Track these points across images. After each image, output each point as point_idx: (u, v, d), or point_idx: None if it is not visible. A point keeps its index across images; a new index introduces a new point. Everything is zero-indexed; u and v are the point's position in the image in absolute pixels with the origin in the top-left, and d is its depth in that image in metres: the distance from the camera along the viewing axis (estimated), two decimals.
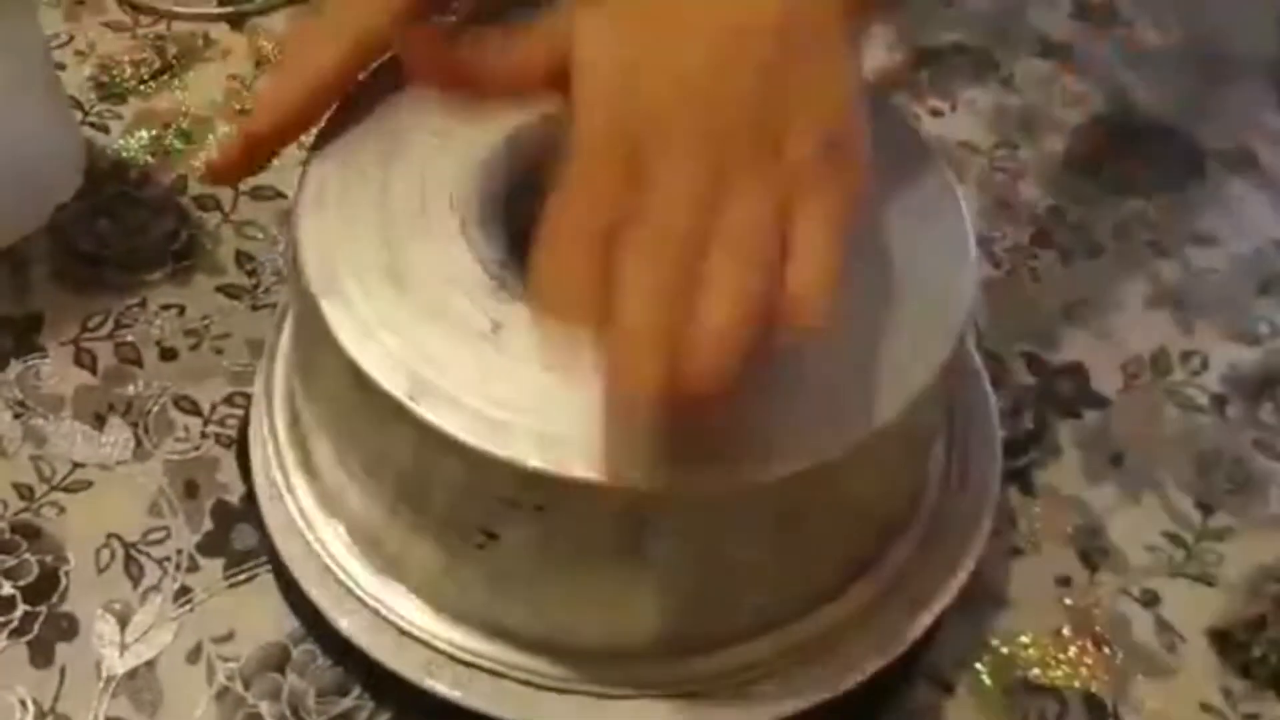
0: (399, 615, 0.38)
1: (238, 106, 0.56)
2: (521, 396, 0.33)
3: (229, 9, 0.60)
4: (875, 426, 0.34)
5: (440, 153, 0.38)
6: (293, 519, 0.39)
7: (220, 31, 0.59)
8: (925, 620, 0.39)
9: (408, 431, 0.33)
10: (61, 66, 0.56)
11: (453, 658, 0.37)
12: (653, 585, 0.36)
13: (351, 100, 0.39)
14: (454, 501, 0.35)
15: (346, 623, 0.38)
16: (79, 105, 0.55)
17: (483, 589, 0.37)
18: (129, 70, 0.57)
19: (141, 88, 0.56)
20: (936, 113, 0.60)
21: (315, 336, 0.35)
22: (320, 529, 0.39)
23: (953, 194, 0.39)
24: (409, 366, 0.33)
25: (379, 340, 0.34)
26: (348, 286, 0.34)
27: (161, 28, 0.59)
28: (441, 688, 0.36)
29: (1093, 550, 0.46)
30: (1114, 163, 0.59)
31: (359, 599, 0.38)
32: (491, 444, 0.32)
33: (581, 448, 0.32)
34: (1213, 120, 0.61)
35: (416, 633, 0.37)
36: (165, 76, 0.57)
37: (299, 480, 0.40)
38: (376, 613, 0.38)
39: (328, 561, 0.39)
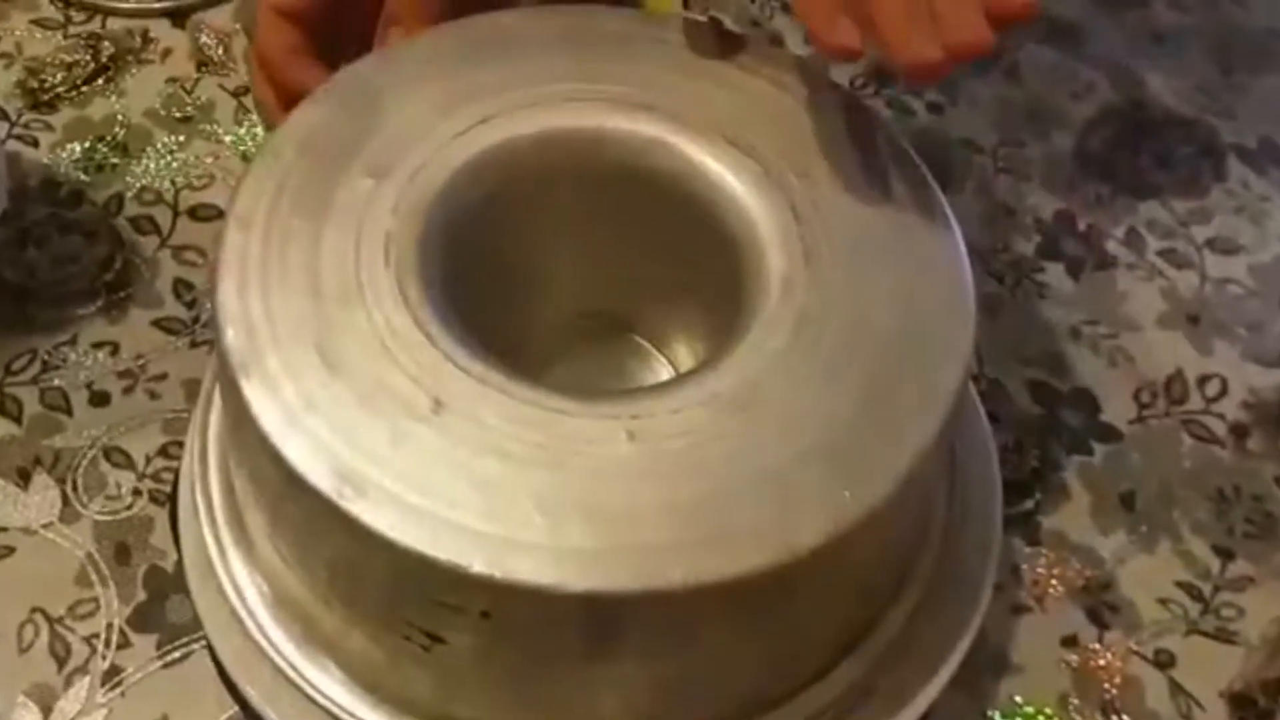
0: (340, 708, 0.34)
1: (178, 114, 0.52)
2: (465, 489, 0.29)
3: (169, 3, 0.55)
4: (866, 506, 0.31)
5: (376, 197, 0.34)
6: (225, 596, 0.36)
7: (160, 29, 0.55)
8: (922, 702, 0.36)
9: (338, 527, 0.30)
10: None
11: None
12: (617, 685, 0.32)
13: (278, 140, 0.35)
14: (392, 602, 0.31)
15: (280, 719, 0.34)
16: (4, 116, 0.51)
17: (430, 687, 0.33)
18: (60, 75, 0.52)
19: (74, 94, 0.52)
20: (934, 107, 0.56)
21: (239, 414, 0.32)
22: (255, 607, 0.36)
23: (949, 231, 0.35)
24: (338, 456, 0.30)
25: (305, 427, 0.30)
26: (271, 364, 0.31)
27: (96, 25, 0.54)
28: None
29: (1101, 606, 0.42)
30: (1127, 161, 0.55)
31: (296, 687, 0.35)
32: (430, 546, 0.29)
33: (532, 547, 0.29)
34: (1235, 112, 0.57)
35: None
36: (100, 81, 0.52)
37: (234, 552, 0.37)
38: (316, 704, 0.35)
39: (264, 645, 0.35)
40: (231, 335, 0.31)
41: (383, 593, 0.31)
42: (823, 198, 0.35)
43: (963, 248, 0.35)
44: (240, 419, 0.31)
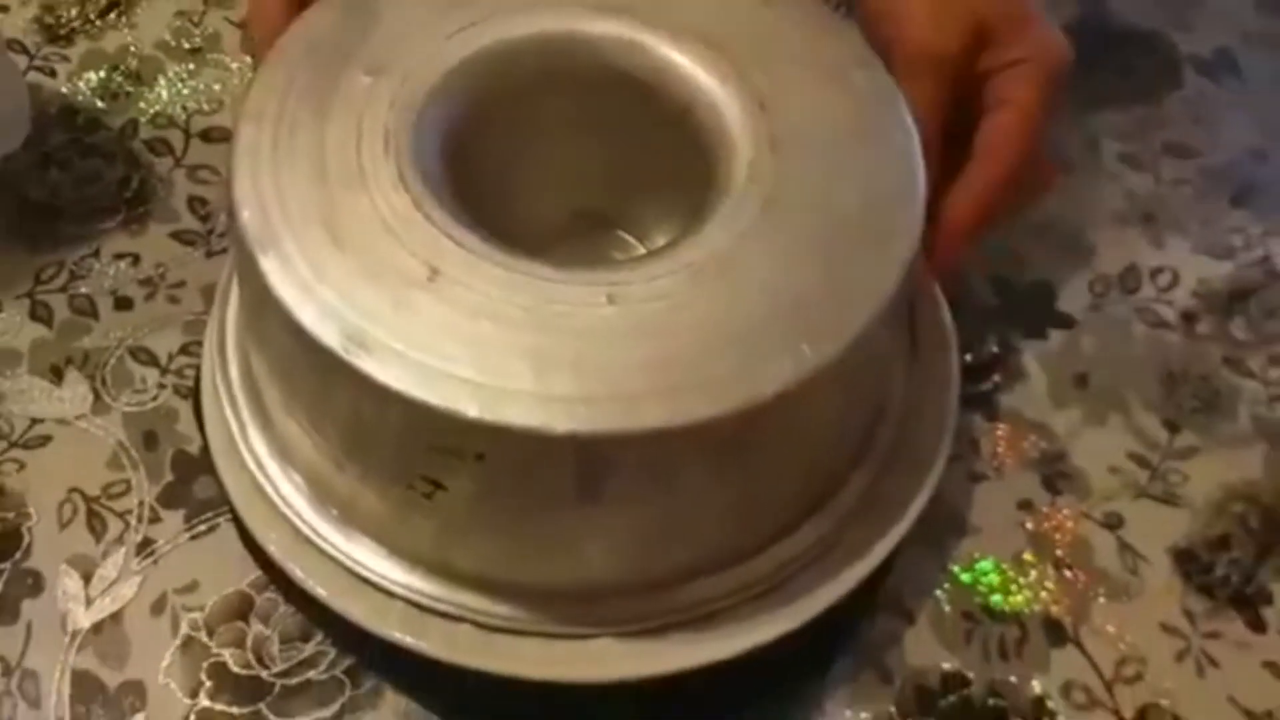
0: (353, 560, 0.38)
1: (187, 45, 0.55)
2: (459, 346, 0.33)
3: None
4: (823, 359, 0.34)
5: (375, 93, 0.37)
6: (247, 468, 0.39)
7: None
8: (881, 551, 0.39)
9: (347, 384, 0.33)
10: (4, 9, 0.55)
11: (408, 601, 0.37)
12: (603, 527, 0.36)
13: (286, 41, 0.38)
14: (397, 452, 0.34)
15: (301, 571, 0.38)
16: (24, 49, 0.54)
17: (433, 535, 0.37)
18: (74, 9, 0.56)
19: (88, 27, 0.55)
20: None
21: (255, 290, 0.35)
22: (275, 476, 0.39)
23: (904, 122, 0.38)
24: (346, 320, 0.33)
25: (317, 295, 0.33)
26: (285, 242, 0.34)
27: None
28: (395, 633, 0.37)
29: (1055, 474, 0.46)
30: (1088, 73, 0.57)
31: (313, 546, 0.38)
32: (429, 395, 0.32)
33: (521, 395, 0.32)
34: (1191, 25, 0.59)
35: (370, 578, 0.37)
36: (112, 15, 0.56)
37: (253, 429, 0.40)
38: (331, 559, 0.38)
39: (284, 509, 0.39)
40: (248, 216, 0.35)
41: (388, 444, 0.34)
42: (789, 92, 0.38)
43: (916, 136, 0.38)
44: (258, 292, 0.35)
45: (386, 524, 0.37)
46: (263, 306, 0.35)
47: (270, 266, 0.34)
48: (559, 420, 0.32)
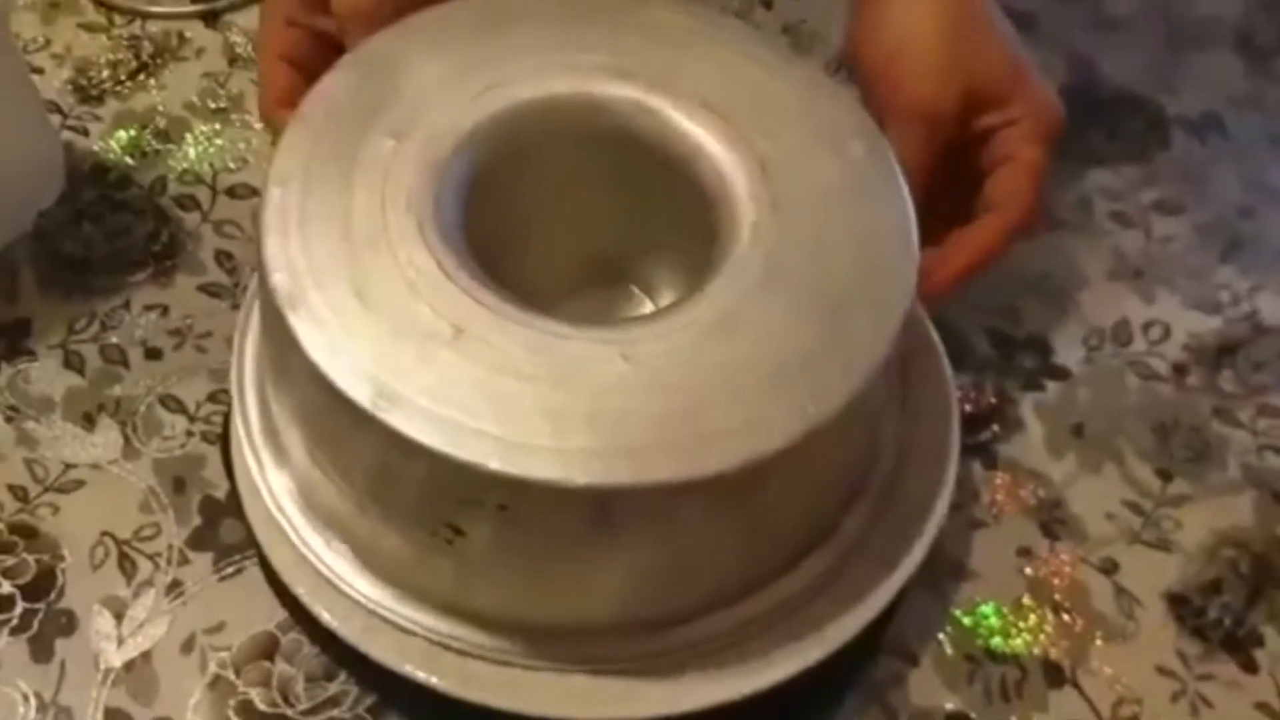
0: (374, 603, 0.39)
1: (213, 106, 0.57)
2: (482, 402, 0.34)
3: (202, 6, 0.60)
4: (825, 415, 0.35)
5: (397, 155, 0.39)
6: (271, 513, 0.41)
7: (195, 29, 0.60)
8: (884, 595, 0.41)
9: (375, 436, 0.35)
10: (40, 70, 0.57)
11: (425, 639, 0.38)
12: (615, 568, 0.37)
13: (307, 108, 0.40)
14: (421, 502, 0.36)
15: (325, 612, 0.39)
16: (58, 109, 0.56)
17: (451, 577, 0.38)
18: (106, 72, 0.58)
19: (119, 89, 0.57)
20: None
21: (284, 346, 0.36)
22: (297, 521, 0.41)
23: (897, 183, 0.40)
24: (375, 376, 0.34)
25: (346, 352, 0.35)
26: (315, 302, 0.36)
27: (136, 28, 0.60)
28: (412, 670, 0.38)
29: (1053, 521, 0.47)
30: (1078, 134, 0.60)
31: (335, 588, 0.40)
32: (454, 448, 0.34)
33: (541, 449, 0.34)
34: (1179, 88, 0.62)
35: (390, 617, 0.39)
36: (142, 76, 0.58)
37: (275, 475, 0.41)
38: (352, 600, 0.39)
39: (305, 553, 0.40)
40: (279, 278, 0.36)
41: (413, 493, 0.36)
42: (788, 154, 0.40)
43: (909, 197, 0.40)
44: (286, 349, 0.36)
45: (404, 567, 0.39)
46: (292, 362, 0.36)
47: (301, 325, 0.35)
48: (576, 474, 0.33)
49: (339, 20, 0.43)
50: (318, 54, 0.44)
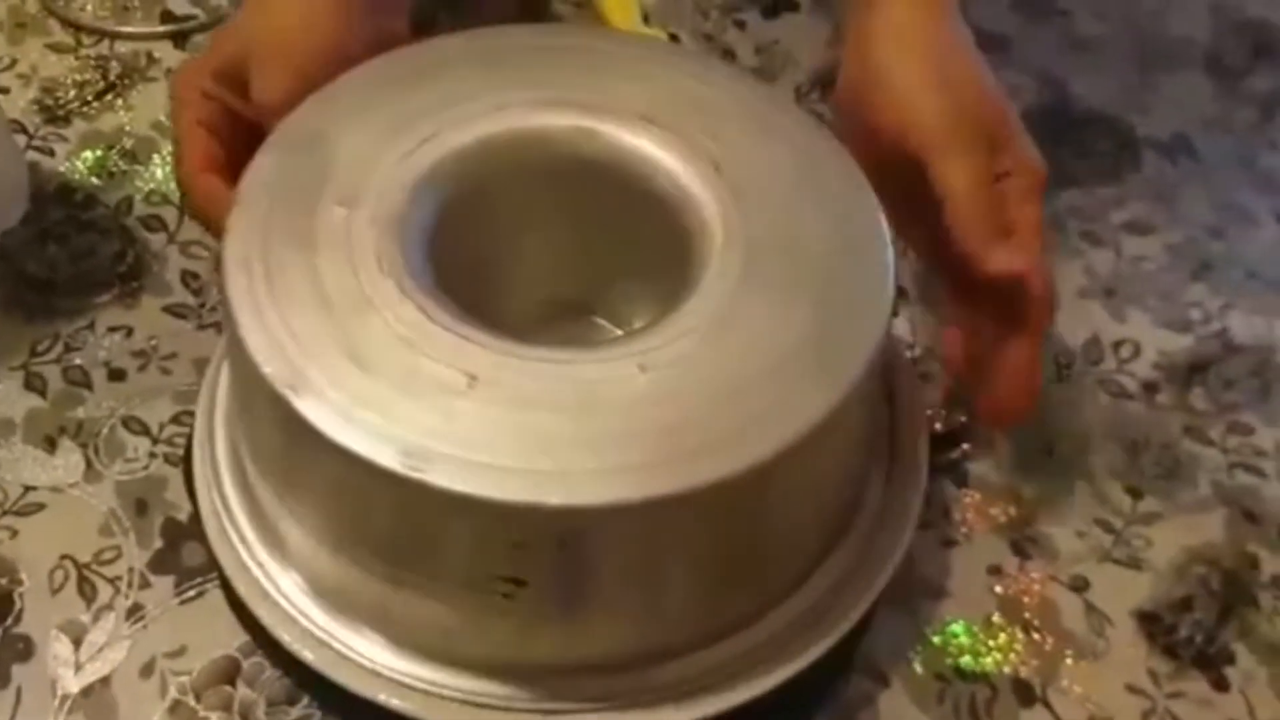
0: (340, 642, 0.38)
1: None
2: (513, 441, 0.34)
3: (171, 27, 0.60)
4: (853, 378, 0.36)
5: (353, 221, 0.38)
6: (232, 540, 0.40)
7: (164, 50, 0.60)
8: (855, 614, 0.40)
9: (413, 500, 0.33)
10: (5, 90, 0.57)
11: (394, 675, 0.37)
12: (667, 589, 0.37)
13: (246, 190, 0.38)
14: (472, 560, 0.35)
15: (289, 638, 0.38)
16: (23, 129, 0.56)
17: (508, 634, 0.37)
18: (73, 92, 0.57)
19: (86, 109, 0.57)
20: None
21: (293, 428, 0.34)
22: (259, 554, 0.40)
23: (851, 166, 0.40)
24: (398, 438, 0.33)
25: (360, 421, 0.34)
26: (313, 379, 0.34)
27: (104, 48, 0.60)
28: (381, 696, 0.37)
29: (1023, 540, 0.47)
30: (1050, 155, 0.60)
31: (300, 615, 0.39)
32: (503, 492, 0.33)
33: (590, 472, 0.33)
34: (1150, 109, 0.62)
35: (353, 658, 0.38)
36: (109, 97, 0.58)
37: (236, 504, 0.40)
38: (317, 627, 0.39)
39: (266, 585, 0.39)
40: (271, 369, 0.34)
41: (462, 553, 0.35)
42: (737, 151, 0.40)
43: (862, 176, 0.40)
44: (296, 432, 0.34)
45: (451, 635, 0.37)
46: (303, 442, 0.34)
47: (306, 406, 0.34)
48: (632, 491, 0.33)
49: (258, 110, 0.43)
50: (232, 127, 0.44)
